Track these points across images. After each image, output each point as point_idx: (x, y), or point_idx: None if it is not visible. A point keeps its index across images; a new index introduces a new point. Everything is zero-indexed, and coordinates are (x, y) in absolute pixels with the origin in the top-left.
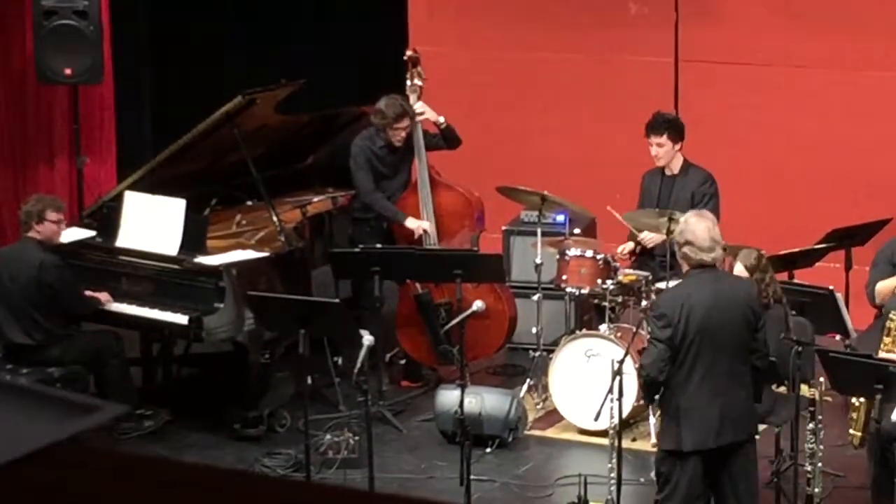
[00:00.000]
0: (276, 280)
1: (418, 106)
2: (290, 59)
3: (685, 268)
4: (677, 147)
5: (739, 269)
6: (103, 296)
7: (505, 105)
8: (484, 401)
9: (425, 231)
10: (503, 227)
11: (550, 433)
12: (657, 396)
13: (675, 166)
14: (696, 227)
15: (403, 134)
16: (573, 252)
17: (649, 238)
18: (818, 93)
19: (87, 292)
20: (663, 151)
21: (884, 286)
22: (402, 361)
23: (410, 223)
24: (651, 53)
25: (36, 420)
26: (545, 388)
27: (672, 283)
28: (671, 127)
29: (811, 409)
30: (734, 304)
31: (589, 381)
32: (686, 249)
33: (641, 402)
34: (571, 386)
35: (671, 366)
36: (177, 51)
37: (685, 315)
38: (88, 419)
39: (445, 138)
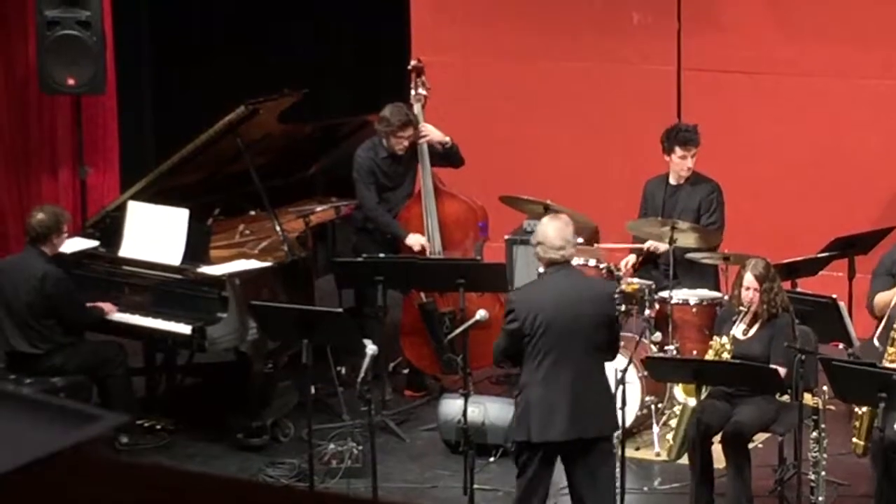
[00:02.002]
0: (279, 289)
1: (424, 129)
2: (293, 68)
3: (542, 268)
4: None
5: (749, 279)
6: (107, 306)
7: (508, 114)
8: (487, 410)
9: (424, 248)
10: (506, 236)
11: None
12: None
13: (683, 175)
14: (548, 227)
15: (406, 143)
16: (576, 261)
17: (654, 245)
18: (821, 101)
19: (90, 303)
20: (694, 162)
21: (882, 298)
22: (406, 371)
23: (410, 239)
24: (654, 62)
25: (38, 429)
26: None
27: (675, 292)
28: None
29: (814, 417)
30: (584, 302)
31: None
32: (538, 249)
33: (645, 410)
34: None
35: (528, 359)
36: (179, 61)
37: (533, 311)
38: (90, 428)
39: (449, 157)
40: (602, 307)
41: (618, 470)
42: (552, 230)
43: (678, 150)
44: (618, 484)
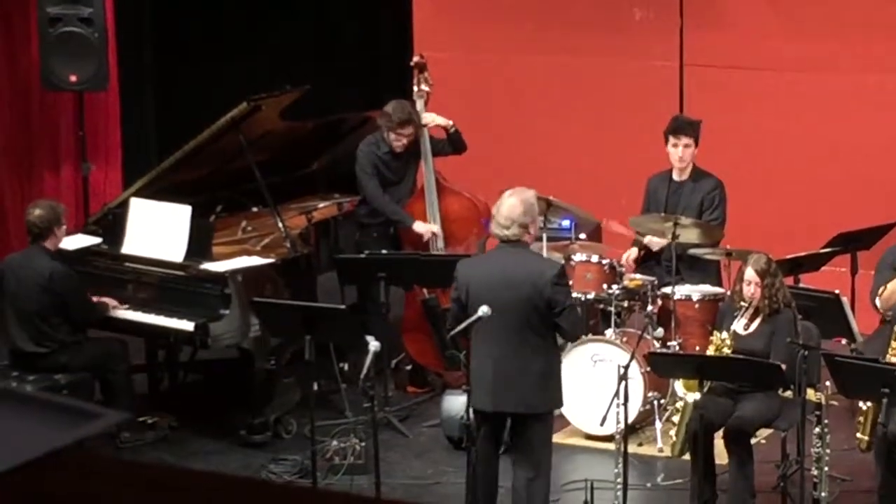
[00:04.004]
0: (281, 286)
1: (427, 117)
2: (295, 65)
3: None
4: (696, 151)
5: (751, 274)
6: (112, 301)
7: (510, 110)
8: None
9: (434, 234)
10: None
11: (557, 438)
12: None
13: (686, 171)
14: (503, 204)
15: (405, 141)
16: (579, 257)
17: (656, 240)
18: (823, 97)
19: (95, 298)
20: (689, 153)
21: (884, 292)
22: (408, 367)
23: (419, 227)
24: (656, 58)
25: (39, 426)
26: None
27: (677, 288)
28: (696, 129)
29: (817, 413)
30: (519, 280)
31: (595, 385)
32: (492, 223)
33: (647, 406)
34: (577, 391)
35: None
36: (181, 58)
37: (469, 283)
38: (91, 425)
39: (452, 143)
40: (538, 289)
41: (620, 466)
42: (505, 207)
43: (671, 139)
44: (619, 480)
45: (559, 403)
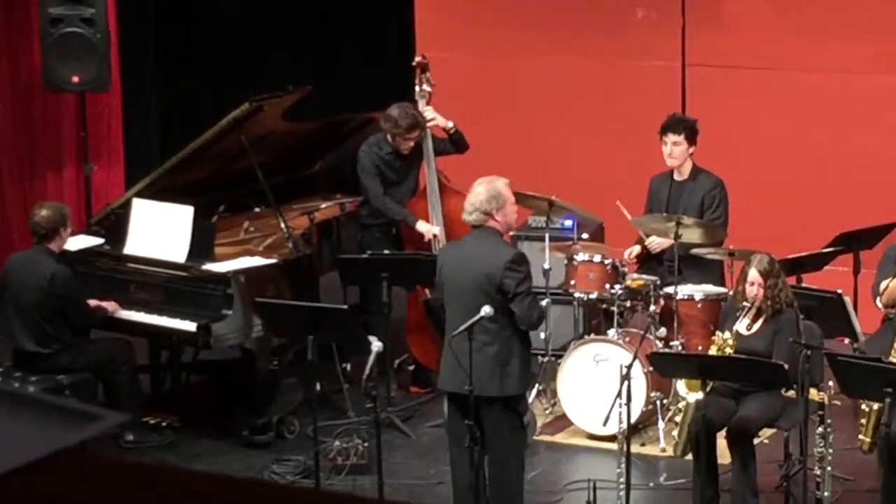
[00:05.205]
0: (284, 286)
1: (428, 112)
2: (297, 66)
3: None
4: (691, 150)
5: (754, 275)
6: (110, 305)
7: (512, 111)
8: None
9: (435, 236)
10: (511, 233)
11: (559, 438)
12: None
13: (685, 171)
14: (472, 191)
15: (413, 143)
16: (581, 257)
17: (657, 243)
18: (826, 97)
19: (93, 302)
20: (678, 151)
21: (883, 287)
22: (411, 367)
23: (421, 226)
24: (658, 58)
25: (39, 428)
26: (554, 394)
27: (680, 288)
28: (688, 128)
29: (820, 412)
30: (475, 263)
31: (597, 386)
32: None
33: (650, 406)
34: (580, 391)
35: None
36: (184, 58)
37: (443, 264)
38: (92, 427)
39: (454, 143)
40: (489, 273)
41: (622, 466)
42: (471, 195)
43: (662, 138)
44: (622, 480)
45: (516, 390)
